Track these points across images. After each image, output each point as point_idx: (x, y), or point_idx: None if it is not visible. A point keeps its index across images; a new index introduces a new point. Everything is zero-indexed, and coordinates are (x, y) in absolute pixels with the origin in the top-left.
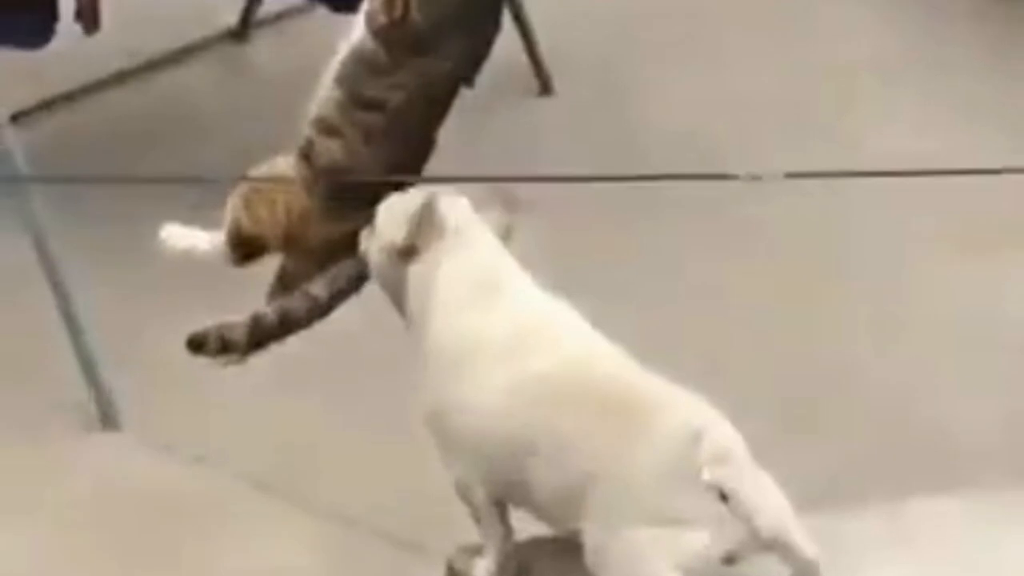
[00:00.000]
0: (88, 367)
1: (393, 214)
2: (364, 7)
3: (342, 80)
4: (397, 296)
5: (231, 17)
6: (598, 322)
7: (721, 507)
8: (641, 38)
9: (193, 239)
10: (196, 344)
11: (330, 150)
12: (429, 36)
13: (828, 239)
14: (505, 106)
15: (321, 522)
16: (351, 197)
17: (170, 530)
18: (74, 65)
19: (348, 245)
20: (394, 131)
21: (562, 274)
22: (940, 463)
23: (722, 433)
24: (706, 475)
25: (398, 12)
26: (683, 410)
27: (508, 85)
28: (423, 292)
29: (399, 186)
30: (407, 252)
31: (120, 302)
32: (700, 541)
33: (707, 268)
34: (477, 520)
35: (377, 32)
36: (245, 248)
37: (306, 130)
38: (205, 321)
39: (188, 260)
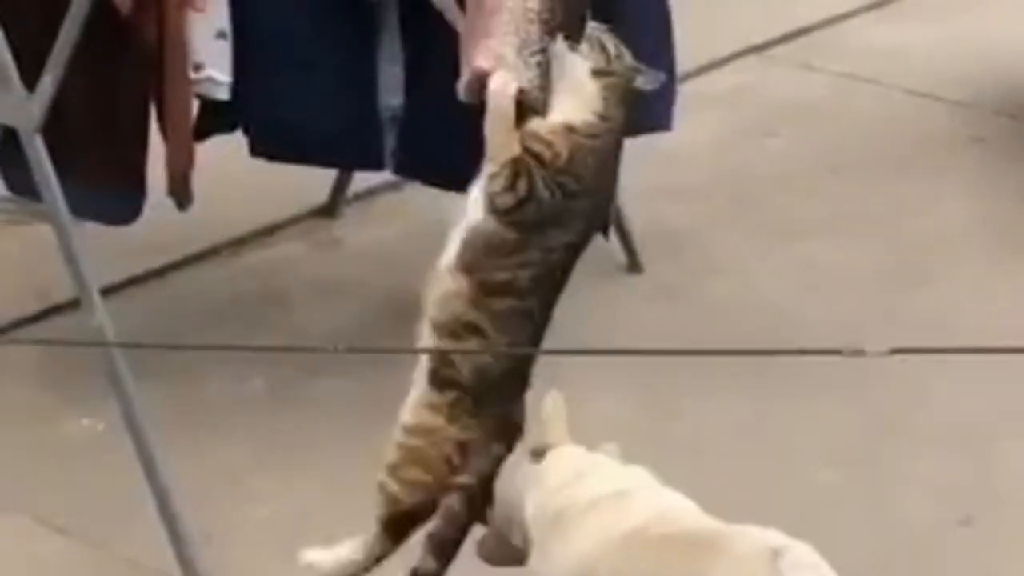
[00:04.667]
0: (176, 535)
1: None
2: (481, 189)
3: (468, 268)
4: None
5: (322, 193)
6: (677, 482)
7: None
8: (732, 214)
9: (335, 553)
10: None
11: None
12: (556, 211)
13: (906, 409)
14: (593, 283)
15: None
16: (501, 394)
17: None
18: (165, 241)
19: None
20: (523, 311)
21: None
22: None
23: (803, 549)
24: None
25: (523, 192)
26: (761, 535)
27: (595, 261)
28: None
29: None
30: (539, 452)
31: (208, 469)
32: None
33: (785, 438)
34: None
35: (501, 213)
36: (403, 526)
37: (431, 341)
38: (286, 486)
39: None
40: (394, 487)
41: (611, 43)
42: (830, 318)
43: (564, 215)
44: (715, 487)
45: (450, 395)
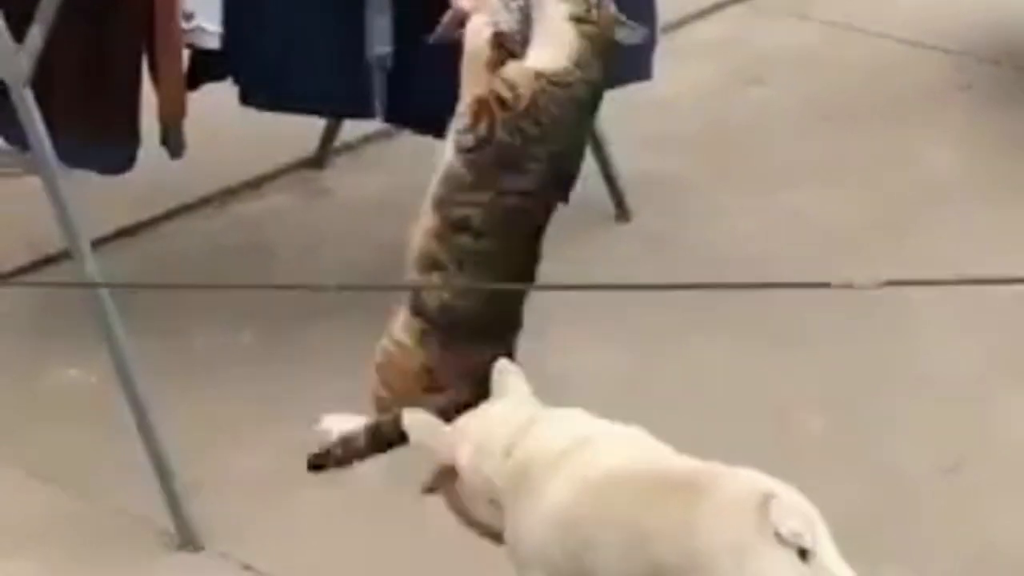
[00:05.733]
0: (167, 485)
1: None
2: (453, 128)
3: (438, 205)
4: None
5: (310, 143)
6: (664, 430)
7: (801, 567)
8: (720, 163)
9: (350, 423)
10: (317, 465)
11: (435, 289)
12: (514, 155)
13: (896, 357)
14: (582, 232)
15: None
16: (466, 332)
17: None
18: (155, 192)
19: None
20: (480, 251)
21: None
22: None
23: (792, 495)
24: (783, 529)
25: (483, 133)
26: (748, 478)
27: (584, 210)
28: (485, 488)
29: (502, 313)
30: (451, 474)
31: (198, 420)
32: None
33: (774, 386)
34: None
35: (463, 151)
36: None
37: (411, 274)
38: (276, 436)
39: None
40: (381, 391)
41: None
42: (818, 266)
43: (521, 160)
44: (702, 434)
45: (419, 322)
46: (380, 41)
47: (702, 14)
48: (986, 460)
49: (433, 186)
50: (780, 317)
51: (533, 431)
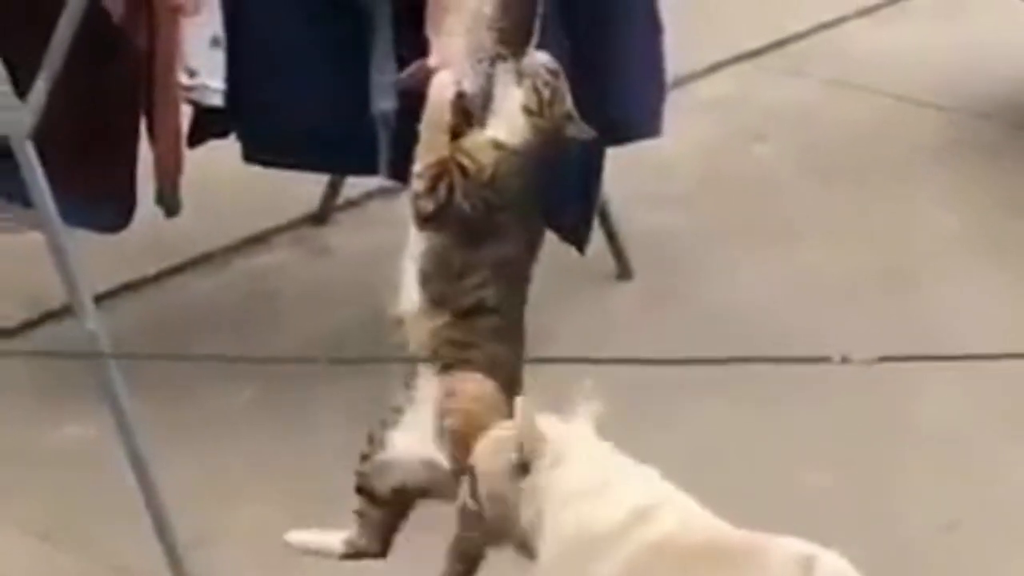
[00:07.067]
0: (168, 542)
1: (496, 442)
2: (411, 190)
3: (438, 303)
4: (510, 522)
5: (313, 200)
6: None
7: None
8: (721, 220)
9: (323, 540)
10: None
11: (472, 362)
12: (486, 225)
13: (894, 414)
14: (582, 290)
15: None
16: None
17: None
18: (158, 248)
19: None
20: (508, 321)
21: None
22: None
23: (832, 557)
24: None
25: (443, 197)
26: (791, 545)
27: (586, 268)
28: (535, 503)
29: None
30: (523, 468)
31: (199, 476)
32: None
33: (773, 443)
34: None
35: (422, 219)
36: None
37: (429, 370)
38: (276, 492)
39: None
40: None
41: (548, 88)
42: (818, 323)
43: (498, 229)
44: (702, 493)
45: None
46: (383, 97)
47: (706, 71)
48: (985, 517)
49: (420, 293)
50: (779, 375)
51: (603, 493)
